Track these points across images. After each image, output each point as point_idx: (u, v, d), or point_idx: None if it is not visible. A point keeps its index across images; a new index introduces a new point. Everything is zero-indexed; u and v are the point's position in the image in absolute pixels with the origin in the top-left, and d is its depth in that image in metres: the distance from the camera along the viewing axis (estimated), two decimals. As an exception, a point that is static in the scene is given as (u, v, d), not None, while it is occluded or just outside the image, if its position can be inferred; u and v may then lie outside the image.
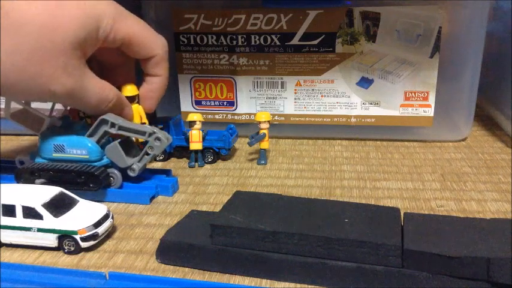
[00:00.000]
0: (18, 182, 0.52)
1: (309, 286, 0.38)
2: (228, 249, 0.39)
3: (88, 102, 0.49)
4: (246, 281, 0.39)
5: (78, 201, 0.46)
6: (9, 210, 0.43)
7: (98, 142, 0.51)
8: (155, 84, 0.56)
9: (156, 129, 0.51)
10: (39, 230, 0.43)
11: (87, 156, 0.51)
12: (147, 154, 0.52)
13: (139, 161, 0.52)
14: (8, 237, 0.44)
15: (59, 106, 0.60)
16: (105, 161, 0.52)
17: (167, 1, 0.66)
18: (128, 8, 0.71)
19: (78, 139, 0.51)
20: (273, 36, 0.65)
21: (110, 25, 0.48)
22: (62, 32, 0.44)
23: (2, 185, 0.46)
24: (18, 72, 0.44)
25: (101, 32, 0.48)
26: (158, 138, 0.51)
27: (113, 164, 0.52)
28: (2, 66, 0.43)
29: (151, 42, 0.53)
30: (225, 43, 0.67)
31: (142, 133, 0.51)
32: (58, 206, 0.44)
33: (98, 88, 0.49)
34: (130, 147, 0.53)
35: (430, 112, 0.65)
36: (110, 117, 0.51)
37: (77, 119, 0.57)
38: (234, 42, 0.66)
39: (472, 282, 0.34)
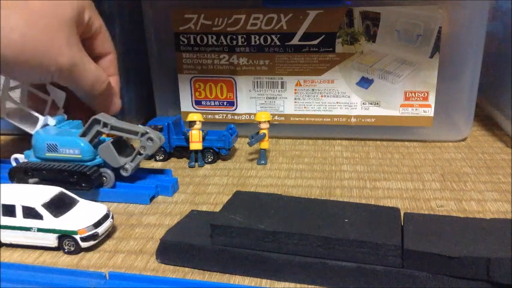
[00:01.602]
0: (11, 181, 0.52)
1: (309, 286, 0.38)
2: (228, 249, 0.39)
3: (86, 80, 0.52)
4: (246, 281, 0.39)
5: (78, 201, 0.46)
6: (9, 210, 0.43)
7: (90, 142, 0.51)
8: (113, 84, 0.59)
9: (148, 129, 0.52)
10: (39, 230, 0.43)
11: (79, 156, 0.51)
12: (140, 154, 0.52)
13: (132, 161, 0.52)
14: (8, 237, 0.44)
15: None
16: (97, 160, 0.52)
17: (167, 1, 0.66)
18: (128, 8, 0.71)
19: (71, 139, 0.52)
20: (273, 36, 0.65)
21: (90, 11, 0.53)
22: (63, 8, 0.49)
23: (2, 185, 0.46)
24: (35, 45, 0.47)
25: (86, 14, 0.53)
26: (151, 139, 0.51)
27: (105, 163, 0.52)
28: (24, 38, 0.47)
29: (110, 40, 0.58)
30: (225, 43, 0.67)
31: (135, 133, 0.52)
32: (58, 206, 0.44)
33: (94, 66, 0.53)
34: (123, 147, 0.53)
35: (430, 112, 0.65)
36: (103, 117, 0.51)
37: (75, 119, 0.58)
38: (234, 42, 0.66)
39: (472, 282, 0.34)
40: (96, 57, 0.57)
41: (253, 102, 0.69)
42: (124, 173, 0.52)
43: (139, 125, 0.53)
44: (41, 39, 0.47)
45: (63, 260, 0.42)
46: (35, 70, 0.49)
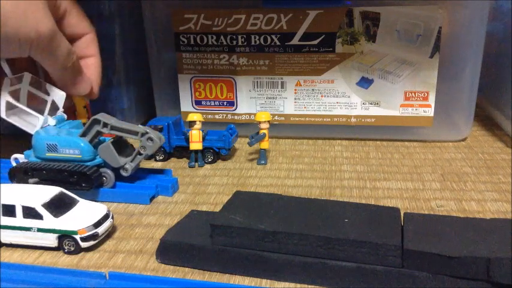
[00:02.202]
0: (11, 181, 0.52)
1: (309, 286, 0.38)
2: (228, 249, 0.39)
3: (62, 51, 0.53)
4: (246, 281, 0.39)
5: (78, 201, 0.46)
6: (9, 210, 0.43)
7: (90, 142, 0.51)
8: (92, 65, 0.59)
9: (148, 129, 0.52)
10: (39, 230, 0.43)
11: (79, 156, 0.51)
12: (140, 154, 0.52)
13: (132, 161, 0.52)
14: (8, 237, 0.44)
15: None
16: (97, 160, 0.52)
17: (167, 1, 0.66)
18: (128, 8, 0.71)
19: (71, 139, 0.52)
20: (273, 36, 0.65)
21: None
22: None
23: (2, 185, 0.46)
24: (16, 14, 0.48)
25: None
26: (151, 139, 0.51)
27: (105, 163, 0.52)
28: (4, 10, 0.47)
29: (86, 20, 0.59)
30: (225, 43, 0.67)
31: (135, 133, 0.52)
32: (58, 206, 0.44)
33: (64, 39, 0.54)
34: (123, 147, 0.53)
35: (430, 112, 0.65)
36: (103, 117, 0.51)
37: (73, 118, 0.58)
38: (234, 42, 0.66)
39: (472, 282, 0.34)
40: (71, 38, 0.57)
41: (253, 102, 0.69)
42: (124, 173, 0.52)
43: (139, 125, 0.53)
44: (21, 10, 0.48)
45: (63, 260, 0.42)
46: (15, 39, 0.49)
